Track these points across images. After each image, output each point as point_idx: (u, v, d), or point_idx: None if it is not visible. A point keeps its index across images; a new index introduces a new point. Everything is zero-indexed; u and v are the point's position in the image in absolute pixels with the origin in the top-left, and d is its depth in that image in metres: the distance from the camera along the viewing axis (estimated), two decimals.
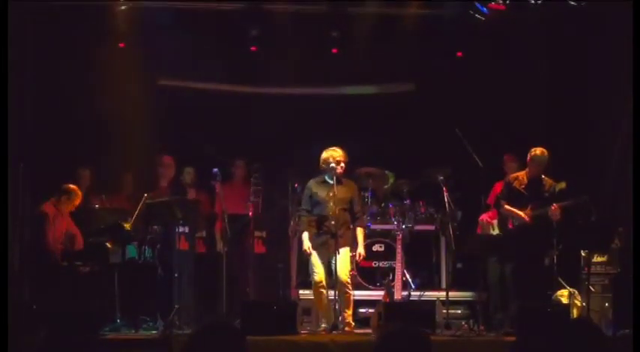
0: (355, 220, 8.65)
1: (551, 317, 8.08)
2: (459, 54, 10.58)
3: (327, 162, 8.52)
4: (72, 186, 9.01)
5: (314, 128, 10.20)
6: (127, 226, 8.76)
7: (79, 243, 9.02)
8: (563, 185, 8.67)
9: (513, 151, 9.55)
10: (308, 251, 8.50)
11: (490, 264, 9.22)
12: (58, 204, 8.95)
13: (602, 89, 9.75)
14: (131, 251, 8.93)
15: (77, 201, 9.02)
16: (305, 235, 8.58)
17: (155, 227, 8.99)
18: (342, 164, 8.52)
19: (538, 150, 8.84)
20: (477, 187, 9.71)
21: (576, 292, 8.91)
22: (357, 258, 8.59)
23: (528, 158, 8.90)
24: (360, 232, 8.65)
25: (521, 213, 8.81)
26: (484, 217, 9.54)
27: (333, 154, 8.52)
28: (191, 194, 9.61)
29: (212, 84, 10.84)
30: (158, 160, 9.69)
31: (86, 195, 9.52)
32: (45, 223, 8.83)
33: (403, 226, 9.41)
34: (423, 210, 10.23)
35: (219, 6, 10.10)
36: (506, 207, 8.92)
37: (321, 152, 8.60)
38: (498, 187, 9.54)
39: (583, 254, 8.82)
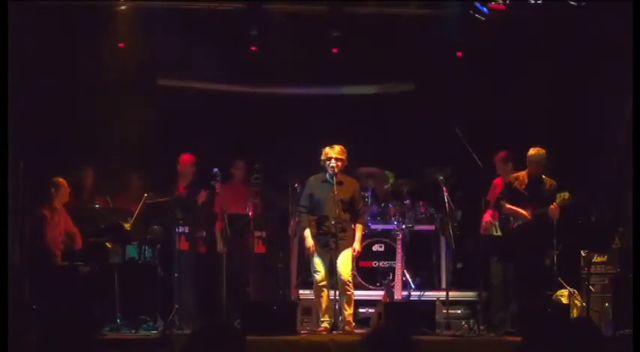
0: (357, 217, 8.65)
1: (551, 317, 8.08)
2: (459, 54, 10.57)
3: (323, 158, 8.57)
4: (57, 179, 8.97)
5: (314, 128, 10.19)
6: (127, 226, 8.75)
7: (79, 242, 9.00)
8: (566, 195, 8.65)
9: (506, 151, 9.56)
10: (311, 249, 8.49)
11: (492, 264, 9.22)
12: (50, 201, 8.92)
13: (602, 89, 9.74)
14: (131, 251, 8.93)
15: (66, 193, 8.96)
16: (307, 232, 8.57)
17: (155, 227, 8.99)
18: (336, 161, 8.50)
19: (534, 150, 8.87)
20: (477, 187, 9.71)
21: (576, 292, 8.90)
22: (352, 252, 8.56)
23: (527, 158, 8.91)
24: (358, 229, 8.65)
25: (522, 211, 8.81)
26: (487, 218, 9.54)
27: (329, 151, 8.57)
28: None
29: (212, 84, 10.83)
30: (178, 159, 9.64)
31: (90, 195, 9.51)
32: (42, 224, 8.80)
33: (403, 226, 9.42)
34: (423, 210, 10.23)
35: (219, 6, 10.10)
36: (507, 206, 8.92)
37: (321, 151, 8.64)
38: (497, 183, 9.56)
39: (583, 254, 8.82)
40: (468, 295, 9.66)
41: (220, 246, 9.40)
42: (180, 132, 10.32)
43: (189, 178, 9.66)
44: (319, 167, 8.71)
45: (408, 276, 9.51)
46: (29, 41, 9.29)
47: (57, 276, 8.66)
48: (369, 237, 9.88)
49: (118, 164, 9.90)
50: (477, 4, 9.92)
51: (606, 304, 8.87)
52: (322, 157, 8.61)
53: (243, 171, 10.08)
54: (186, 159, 9.66)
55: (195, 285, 9.51)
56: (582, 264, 8.84)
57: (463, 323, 8.89)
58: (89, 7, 9.78)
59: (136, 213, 8.84)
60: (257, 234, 9.68)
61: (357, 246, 8.59)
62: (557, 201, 8.66)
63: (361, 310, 9.25)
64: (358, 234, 8.63)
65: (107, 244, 8.76)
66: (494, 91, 10.28)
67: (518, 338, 7.70)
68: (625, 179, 9.01)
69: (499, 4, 9.85)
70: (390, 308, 8.49)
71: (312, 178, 8.75)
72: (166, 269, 8.96)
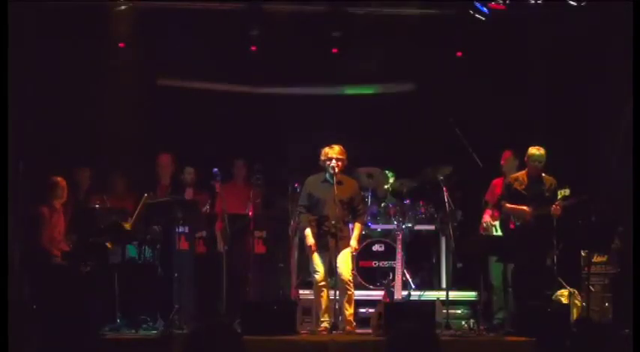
0: (356, 217, 8.64)
1: (551, 317, 8.08)
2: (459, 54, 10.58)
3: (323, 158, 8.55)
4: (57, 178, 8.96)
5: (314, 128, 10.19)
6: (127, 226, 8.75)
7: (64, 246, 9.00)
8: (567, 191, 8.65)
9: (512, 148, 9.56)
10: (313, 247, 8.47)
11: (492, 264, 9.21)
12: (50, 201, 8.90)
13: (601, 89, 9.75)
14: (131, 251, 8.93)
15: (64, 192, 8.95)
16: (308, 231, 8.53)
17: (155, 227, 8.99)
18: (336, 161, 8.49)
19: (535, 149, 8.84)
20: (477, 187, 9.71)
21: (576, 292, 8.91)
22: (350, 250, 8.51)
23: (526, 157, 8.91)
24: (357, 227, 8.60)
25: (523, 207, 8.78)
26: (487, 219, 9.54)
27: (329, 151, 8.54)
28: (188, 194, 9.62)
29: (212, 84, 10.84)
30: (156, 159, 9.71)
31: (86, 195, 9.51)
32: (40, 223, 8.78)
33: (403, 226, 9.42)
34: (423, 210, 10.23)
35: (219, 6, 10.11)
36: (508, 205, 8.91)
37: (320, 151, 8.63)
38: (496, 184, 9.55)
39: (583, 254, 8.82)
40: (468, 295, 9.67)
41: (220, 246, 9.41)
42: (180, 131, 10.32)
43: (169, 177, 9.70)
44: (319, 167, 8.69)
45: (408, 276, 9.51)
46: (29, 41, 9.29)
47: (56, 276, 8.66)
48: (369, 237, 9.89)
49: (117, 164, 9.91)
50: (477, 4, 9.92)
51: (606, 304, 8.87)
52: (322, 157, 8.57)
53: (243, 171, 10.08)
54: (165, 159, 9.69)
55: (195, 285, 9.50)
56: (582, 263, 8.84)
57: (463, 323, 8.89)
58: (89, 7, 9.78)
59: (136, 213, 8.84)
60: (257, 234, 9.66)
61: (354, 243, 8.52)
62: (559, 199, 8.66)
63: (361, 310, 9.23)
64: (356, 232, 8.58)
65: (107, 244, 8.76)
66: (494, 91, 10.28)
67: (519, 338, 7.76)
68: (625, 179, 9.01)
69: (499, 4, 9.85)
70: (390, 308, 8.48)
71: (310, 178, 8.72)
72: (166, 270, 8.95)
